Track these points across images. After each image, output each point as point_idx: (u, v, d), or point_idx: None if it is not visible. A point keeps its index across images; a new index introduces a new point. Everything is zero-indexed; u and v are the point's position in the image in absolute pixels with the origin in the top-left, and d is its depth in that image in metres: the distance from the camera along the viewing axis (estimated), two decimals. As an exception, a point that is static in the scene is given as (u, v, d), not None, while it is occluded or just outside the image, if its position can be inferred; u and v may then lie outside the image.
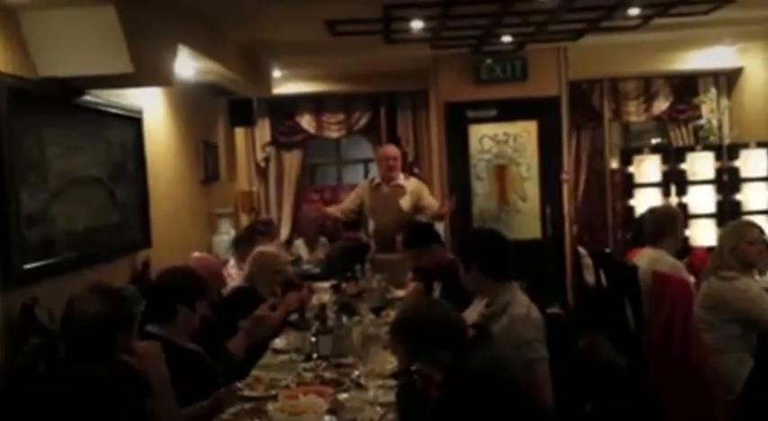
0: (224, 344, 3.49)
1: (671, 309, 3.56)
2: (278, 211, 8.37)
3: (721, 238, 3.70)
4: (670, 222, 4.17)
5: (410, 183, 5.76)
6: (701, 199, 6.29)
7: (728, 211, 6.35)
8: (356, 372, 2.92)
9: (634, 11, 5.45)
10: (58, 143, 3.78)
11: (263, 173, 8.42)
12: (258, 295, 4.25)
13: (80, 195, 4.01)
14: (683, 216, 4.72)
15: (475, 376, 2.29)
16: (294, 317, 4.18)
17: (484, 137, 6.99)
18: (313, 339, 3.31)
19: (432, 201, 5.72)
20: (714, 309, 3.54)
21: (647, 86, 8.05)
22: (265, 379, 3.10)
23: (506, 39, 6.32)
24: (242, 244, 5.39)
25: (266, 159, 8.40)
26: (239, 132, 8.00)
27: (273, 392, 2.86)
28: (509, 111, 6.93)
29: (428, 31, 5.80)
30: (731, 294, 3.50)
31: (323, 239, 7.53)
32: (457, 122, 6.99)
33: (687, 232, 6.09)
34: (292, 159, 8.41)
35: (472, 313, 3.12)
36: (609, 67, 7.66)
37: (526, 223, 6.96)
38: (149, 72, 3.83)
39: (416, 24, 5.52)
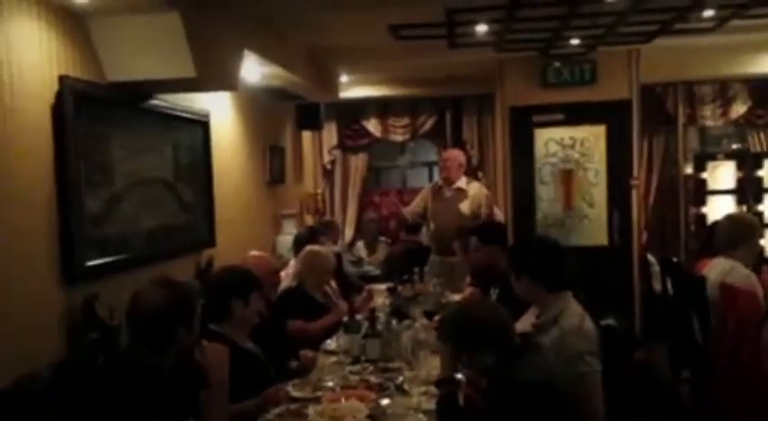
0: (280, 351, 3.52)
1: (738, 323, 3.40)
2: (342, 213, 8.46)
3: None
4: (748, 231, 3.95)
5: (472, 188, 5.72)
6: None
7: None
8: (401, 378, 2.91)
9: (709, 12, 5.24)
10: (125, 145, 3.92)
11: (329, 175, 8.53)
12: (306, 294, 4.31)
13: (145, 196, 4.16)
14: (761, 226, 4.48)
15: (521, 386, 2.25)
16: (346, 318, 4.22)
17: (550, 141, 6.85)
18: (361, 342, 3.32)
19: (493, 210, 5.63)
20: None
21: (724, 90, 7.74)
22: (313, 380, 3.14)
23: (575, 41, 6.19)
24: (301, 244, 5.46)
25: (332, 162, 8.50)
26: (306, 135, 8.12)
27: (319, 394, 2.89)
28: (576, 114, 6.77)
29: (493, 34, 5.73)
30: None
31: (383, 241, 7.57)
32: (522, 126, 6.88)
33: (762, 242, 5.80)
34: (358, 162, 8.48)
35: (524, 323, 3.06)
36: (683, 71, 7.40)
37: (592, 229, 6.77)
38: (213, 77, 3.93)
39: (481, 28, 5.47)
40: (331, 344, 3.75)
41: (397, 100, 8.18)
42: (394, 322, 3.44)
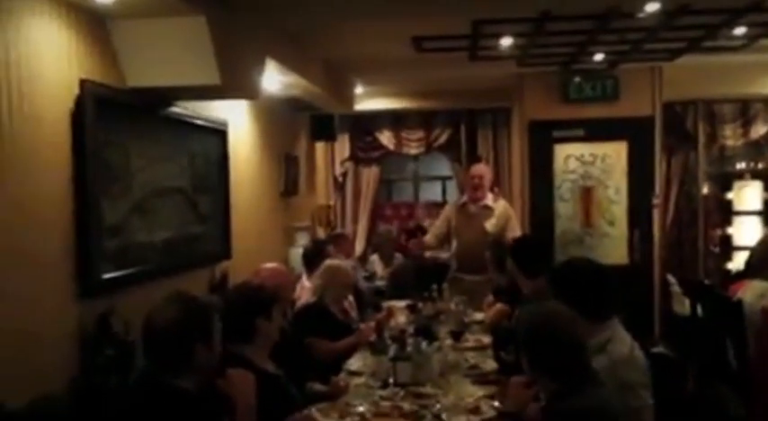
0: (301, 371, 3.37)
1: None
2: (353, 226, 8.32)
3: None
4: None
5: (499, 206, 5.54)
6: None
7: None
8: (438, 405, 2.75)
9: (740, 30, 5.13)
10: (144, 154, 3.78)
11: (340, 187, 8.39)
12: (327, 310, 4.16)
13: (163, 206, 4.01)
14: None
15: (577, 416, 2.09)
16: (373, 337, 4.07)
17: (569, 157, 6.72)
18: (390, 364, 3.16)
19: (516, 232, 5.47)
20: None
21: (745, 109, 7.63)
22: (340, 404, 2.98)
23: (598, 57, 6.07)
24: (310, 259, 5.28)
25: (344, 174, 8.36)
26: (319, 147, 7.99)
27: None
28: (597, 130, 6.65)
29: (517, 48, 5.61)
30: None
31: (399, 256, 7.40)
32: (542, 141, 6.76)
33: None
34: (370, 175, 8.35)
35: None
36: (704, 89, 7.29)
37: (612, 248, 6.64)
38: (237, 84, 3.80)
39: (505, 41, 5.35)
40: (355, 363, 3.59)
41: (412, 113, 8.06)
42: (424, 344, 3.27)
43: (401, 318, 4.46)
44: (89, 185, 3.24)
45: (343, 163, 8.31)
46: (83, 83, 3.24)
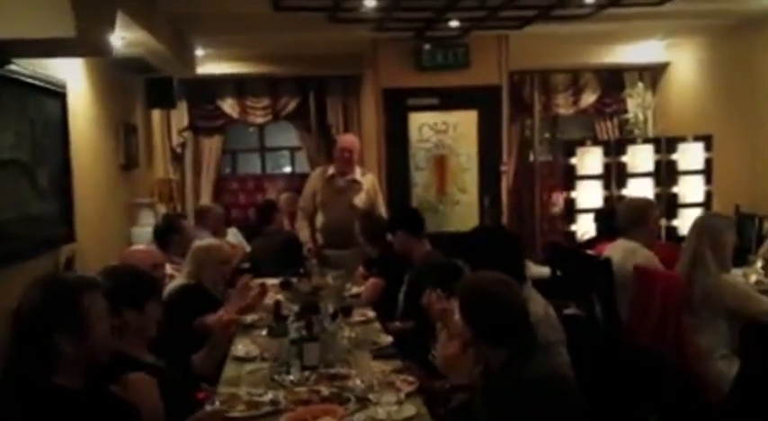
0: (185, 357, 3.05)
1: (662, 307, 3.42)
2: (195, 202, 7.78)
3: (700, 235, 3.58)
4: (644, 213, 4.04)
5: (367, 180, 5.37)
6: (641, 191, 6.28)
7: (665, 203, 6.41)
8: (357, 386, 2.56)
9: (591, -1, 5.33)
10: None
11: (179, 160, 7.80)
12: (208, 293, 3.82)
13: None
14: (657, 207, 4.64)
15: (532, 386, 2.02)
16: (252, 318, 3.79)
17: (424, 125, 6.74)
18: (291, 346, 2.92)
19: (383, 207, 5.37)
20: (701, 309, 3.44)
21: (576, 79, 8.09)
22: (242, 395, 2.69)
23: (454, 23, 6.08)
24: (163, 234, 4.79)
25: (183, 145, 7.79)
26: (155, 115, 7.36)
27: (264, 411, 2.48)
28: (450, 99, 6.72)
29: (379, 10, 5.46)
30: (720, 291, 3.41)
31: (232, 230, 6.94)
32: (396, 110, 6.71)
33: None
34: (212, 145, 7.85)
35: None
36: (541, 59, 7.62)
37: (464, 215, 6.78)
38: (92, 38, 3.29)
39: (369, 2, 5.17)
40: (242, 349, 3.30)
41: (257, 78, 7.65)
42: (329, 322, 3.06)
43: (277, 296, 4.20)
44: None
45: (181, 133, 7.73)
46: None
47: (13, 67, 3.45)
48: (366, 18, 5.66)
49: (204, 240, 4.22)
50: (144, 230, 5.90)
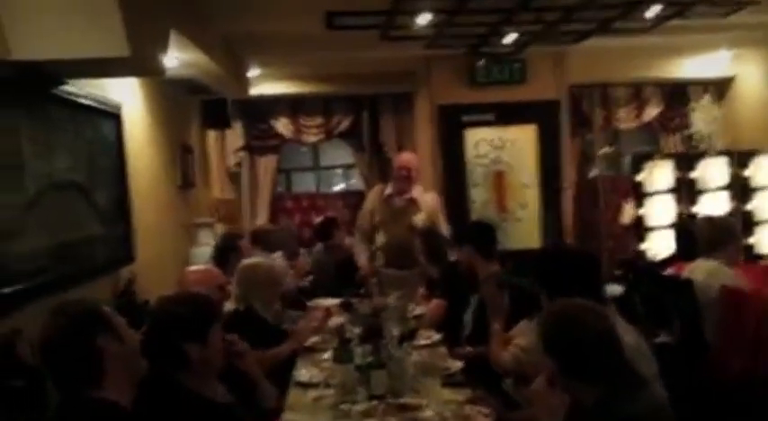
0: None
1: (755, 331, 3.16)
2: (252, 221, 7.74)
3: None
4: (730, 232, 3.79)
5: (426, 199, 5.20)
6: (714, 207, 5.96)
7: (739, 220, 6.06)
8: (430, 417, 2.39)
9: (654, 9, 5.10)
10: (37, 140, 3.13)
11: (235, 180, 7.79)
12: (259, 317, 3.66)
13: (59, 203, 3.37)
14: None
15: None
16: (314, 340, 3.66)
17: (480, 141, 6.57)
18: (358, 374, 2.77)
19: (444, 226, 5.18)
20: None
21: (638, 93, 7.81)
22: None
23: (509, 39, 5.91)
24: (221, 253, 4.69)
25: (238, 165, 7.77)
26: (210, 136, 7.36)
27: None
28: (506, 114, 6.54)
29: (433, 26, 5.34)
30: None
31: (304, 251, 6.92)
32: (451, 126, 6.56)
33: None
34: (267, 165, 7.81)
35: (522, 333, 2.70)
36: (601, 73, 7.37)
37: (524, 232, 6.56)
38: (146, 58, 3.23)
39: (423, 19, 5.06)
40: (305, 374, 3.16)
41: (310, 98, 7.59)
42: (394, 348, 2.89)
43: (338, 319, 4.06)
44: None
45: (236, 153, 7.71)
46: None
47: (67, 87, 3.41)
48: (419, 35, 5.55)
49: (251, 259, 4.07)
50: (202, 250, 5.86)
